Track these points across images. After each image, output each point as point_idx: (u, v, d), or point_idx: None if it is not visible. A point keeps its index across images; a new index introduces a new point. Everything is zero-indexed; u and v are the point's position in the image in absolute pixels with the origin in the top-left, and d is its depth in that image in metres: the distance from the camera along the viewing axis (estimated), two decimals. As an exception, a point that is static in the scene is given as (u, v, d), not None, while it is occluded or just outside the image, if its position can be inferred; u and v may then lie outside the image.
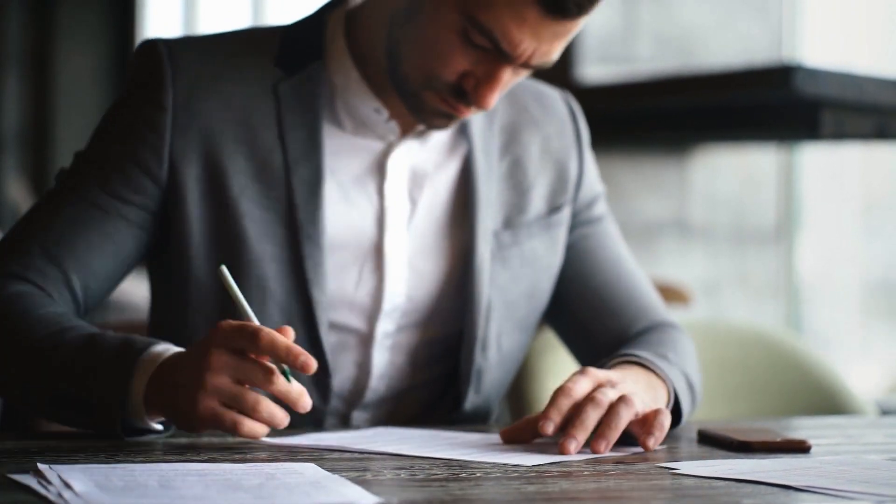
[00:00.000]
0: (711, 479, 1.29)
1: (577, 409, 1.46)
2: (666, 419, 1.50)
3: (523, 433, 1.50)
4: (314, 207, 1.66)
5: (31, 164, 7.46)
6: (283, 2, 6.06)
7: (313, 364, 1.40)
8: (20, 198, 6.70)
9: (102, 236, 1.64)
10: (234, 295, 1.46)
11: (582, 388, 1.48)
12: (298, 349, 1.40)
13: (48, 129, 7.37)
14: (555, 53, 1.59)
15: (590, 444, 1.45)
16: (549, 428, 1.45)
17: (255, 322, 1.44)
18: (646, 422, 1.49)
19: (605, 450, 1.45)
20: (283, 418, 1.42)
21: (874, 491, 1.22)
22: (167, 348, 1.49)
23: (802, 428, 1.91)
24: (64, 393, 1.50)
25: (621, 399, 1.47)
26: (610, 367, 1.62)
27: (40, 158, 7.40)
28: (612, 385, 1.50)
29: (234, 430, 1.40)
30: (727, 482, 1.28)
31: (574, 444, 1.43)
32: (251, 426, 1.41)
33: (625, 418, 1.46)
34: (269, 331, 1.40)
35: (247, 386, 1.41)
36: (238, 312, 1.46)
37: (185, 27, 6.76)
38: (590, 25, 3.72)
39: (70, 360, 1.51)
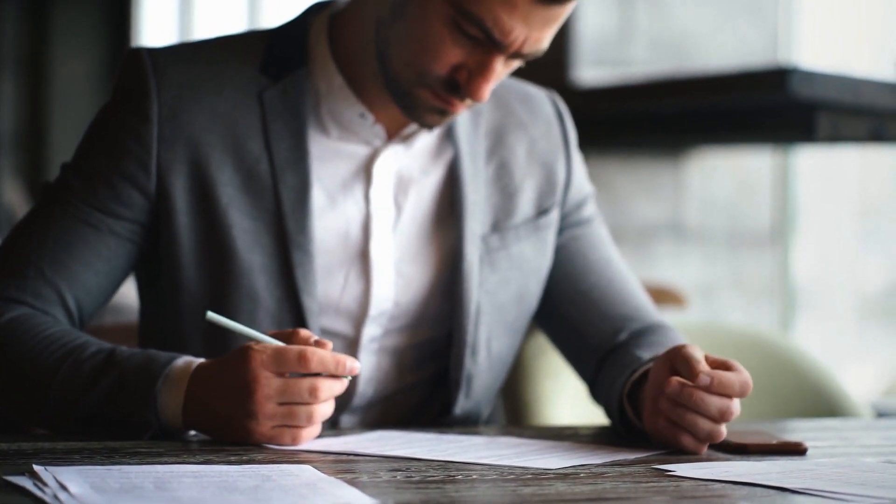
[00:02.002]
0: (708, 482, 1.29)
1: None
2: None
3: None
4: (302, 216, 1.66)
5: (26, 166, 7.45)
6: (279, 4, 6.05)
7: (358, 366, 1.48)
8: (15, 200, 6.69)
9: (94, 254, 1.64)
10: (237, 329, 1.50)
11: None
12: (343, 357, 1.46)
13: (44, 132, 7.37)
14: (545, 41, 1.59)
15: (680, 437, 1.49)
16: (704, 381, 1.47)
17: (273, 342, 1.48)
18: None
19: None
20: (330, 414, 1.49)
21: (870, 493, 1.22)
22: (189, 361, 1.51)
23: (798, 430, 1.91)
24: (91, 411, 1.52)
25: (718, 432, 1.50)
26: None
27: (36, 161, 7.39)
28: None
29: (293, 444, 1.47)
30: (723, 484, 1.28)
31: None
32: (309, 434, 1.48)
33: (709, 434, 1.49)
34: (312, 350, 1.45)
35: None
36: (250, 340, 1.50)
37: (180, 30, 6.75)
38: (586, 27, 3.72)
39: (93, 379, 1.52)
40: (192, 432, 1.53)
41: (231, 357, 1.48)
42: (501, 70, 1.61)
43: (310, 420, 1.46)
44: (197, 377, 1.49)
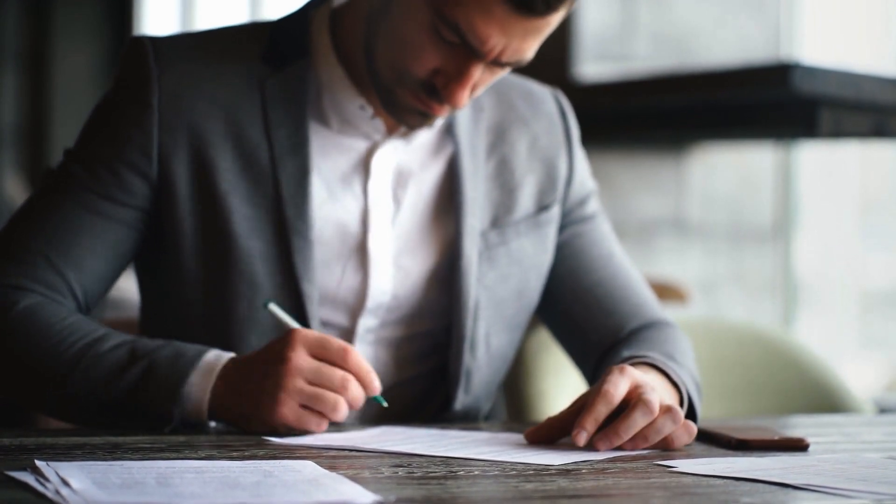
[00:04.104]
0: (709, 477, 1.29)
1: (628, 412, 1.45)
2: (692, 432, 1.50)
3: (548, 434, 1.50)
4: (301, 202, 1.67)
5: (27, 160, 7.45)
6: (281, -1, 6.05)
7: (379, 386, 1.54)
8: (16, 194, 6.70)
9: (100, 241, 1.65)
10: (287, 322, 1.57)
11: (621, 390, 1.46)
12: (374, 374, 1.53)
13: (45, 126, 7.37)
14: (529, 51, 1.58)
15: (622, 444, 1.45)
16: (583, 439, 1.44)
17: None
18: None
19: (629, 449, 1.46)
20: (346, 414, 1.52)
21: (872, 489, 1.22)
22: (220, 354, 1.55)
23: (800, 426, 1.91)
24: (112, 403, 1.54)
25: (669, 412, 1.46)
26: None
27: (37, 155, 7.39)
28: (652, 389, 1.48)
29: (316, 430, 1.50)
30: (725, 480, 1.28)
31: (609, 445, 1.44)
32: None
33: (665, 433, 1.46)
34: (356, 351, 1.51)
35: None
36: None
37: (181, 24, 6.75)
38: (587, 23, 3.72)
39: (117, 371, 1.55)
40: (213, 424, 1.54)
41: (274, 339, 1.53)
42: (482, 77, 1.60)
43: (335, 410, 1.49)
44: (231, 365, 1.53)
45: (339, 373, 1.50)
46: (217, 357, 1.54)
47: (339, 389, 1.49)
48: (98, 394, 1.54)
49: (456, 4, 1.53)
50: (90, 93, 7.11)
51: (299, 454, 1.38)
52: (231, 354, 1.55)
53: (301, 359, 1.49)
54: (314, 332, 1.51)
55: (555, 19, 1.55)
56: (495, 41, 1.55)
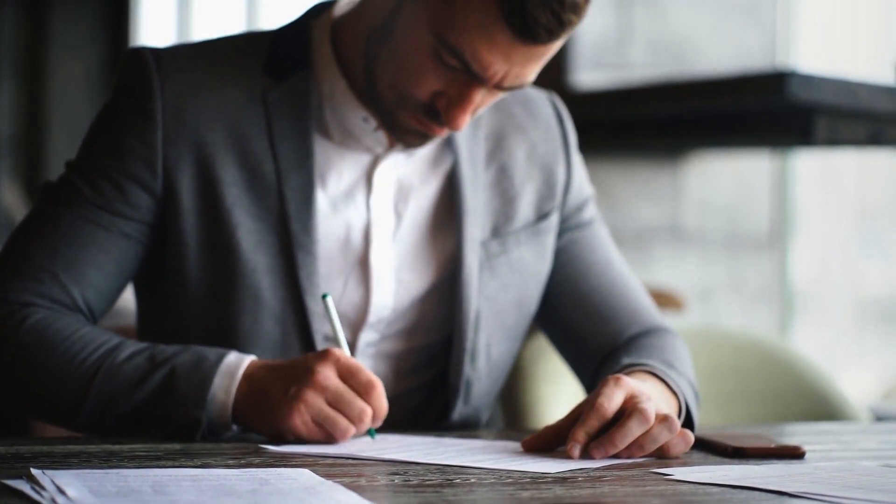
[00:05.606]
0: (706, 486, 1.29)
1: (623, 421, 1.45)
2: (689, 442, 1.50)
3: (545, 443, 1.50)
4: (307, 216, 1.66)
5: (24, 169, 7.45)
6: (278, 8, 6.06)
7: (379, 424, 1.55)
8: (13, 203, 6.69)
9: (105, 255, 1.65)
10: (336, 328, 1.58)
11: (615, 403, 1.47)
12: (385, 414, 1.53)
13: (41, 135, 7.37)
14: (530, 76, 1.59)
15: (618, 452, 1.46)
16: (577, 452, 1.45)
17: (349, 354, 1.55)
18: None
19: (625, 456, 1.46)
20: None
21: (868, 497, 1.22)
22: (241, 356, 1.57)
23: (796, 434, 1.91)
24: (134, 412, 1.55)
25: (665, 421, 1.46)
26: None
27: (34, 164, 7.39)
28: (648, 398, 1.49)
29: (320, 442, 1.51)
30: (721, 488, 1.28)
31: (604, 453, 1.45)
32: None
33: (661, 442, 1.47)
34: (382, 388, 1.51)
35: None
36: (336, 342, 1.60)
37: (178, 33, 6.75)
38: (584, 31, 3.72)
39: (138, 380, 1.55)
40: (235, 427, 1.55)
41: (311, 352, 1.55)
42: (483, 100, 1.61)
43: (344, 435, 1.50)
44: (259, 366, 1.55)
45: (359, 403, 1.50)
46: (238, 358, 1.56)
47: (355, 420, 1.50)
48: (118, 404, 1.55)
49: (459, 31, 1.53)
50: (87, 102, 7.11)
51: (295, 462, 1.38)
52: (252, 357, 1.56)
53: (328, 377, 1.50)
54: (349, 357, 1.52)
55: (557, 45, 1.56)
56: (498, 67, 1.55)
